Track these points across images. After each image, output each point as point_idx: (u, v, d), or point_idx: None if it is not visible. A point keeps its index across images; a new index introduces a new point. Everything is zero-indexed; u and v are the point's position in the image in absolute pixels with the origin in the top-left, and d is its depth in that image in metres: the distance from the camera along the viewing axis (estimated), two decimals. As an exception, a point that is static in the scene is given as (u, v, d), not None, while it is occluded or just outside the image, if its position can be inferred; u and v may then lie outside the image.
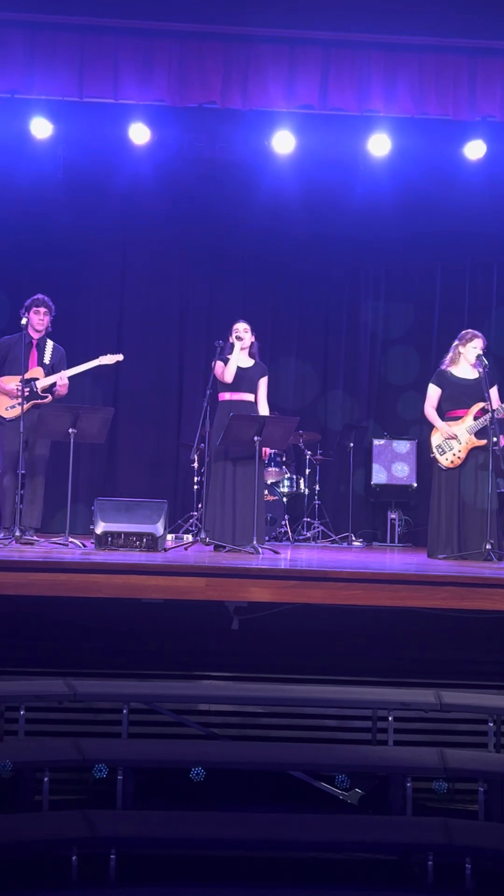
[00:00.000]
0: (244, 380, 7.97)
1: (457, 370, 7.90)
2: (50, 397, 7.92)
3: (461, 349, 7.89)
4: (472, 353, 7.81)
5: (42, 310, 8.01)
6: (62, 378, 7.91)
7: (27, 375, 7.82)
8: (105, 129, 9.72)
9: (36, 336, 8.02)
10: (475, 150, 9.88)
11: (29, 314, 7.96)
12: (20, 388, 7.67)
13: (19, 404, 7.69)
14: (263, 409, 8.02)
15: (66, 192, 10.48)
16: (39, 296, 8.09)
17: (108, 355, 8.16)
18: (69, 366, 8.06)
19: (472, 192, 10.52)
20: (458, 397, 7.82)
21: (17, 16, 8.51)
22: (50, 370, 7.97)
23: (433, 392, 7.93)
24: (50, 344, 8.06)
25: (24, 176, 10.22)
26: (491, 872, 4.73)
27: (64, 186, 10.40)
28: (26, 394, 7.74)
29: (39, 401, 7.82)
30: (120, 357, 8.23)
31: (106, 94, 8.74)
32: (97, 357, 8.12)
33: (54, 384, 7.92)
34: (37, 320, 7.97)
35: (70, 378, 7.98)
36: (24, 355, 7.82)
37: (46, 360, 7.99)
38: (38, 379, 7.86)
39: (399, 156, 9.93)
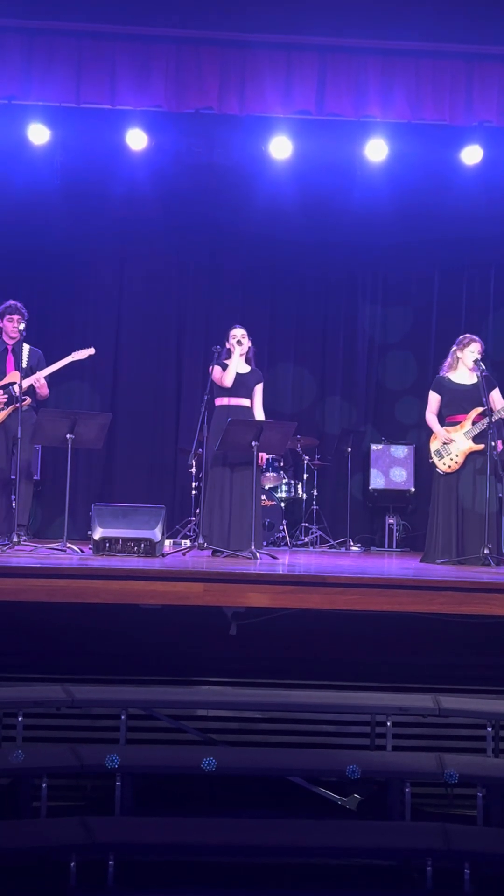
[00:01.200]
0: (241, 385, 7.98)
1: (455, 376, 7.91)
2: (29, 399, 7.92)
3: (459, 354, 7.90)
4: (470, 358, 7.82)
5: (16, 317, 8.02)
6: (38, 379, 7.93)
7: (5, 381, 7.87)
8: (102, 134, 9.72)
9: (10, 342, 8.04)
10: (472, 155, 9.90)
11: (3, 321, 8.00)
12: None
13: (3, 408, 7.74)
14: (259, 415, 8.03)
15: (63, 197, 10.48)
16: (11, 302, 8.12)
17: (80, 350, 8.18)
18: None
19: (469, 196, 10.53)
20: (457, 403, 7.83)
21: (15, 22, 8.52)
22: (29, 373, 7.97)
23: (433, 399, 7.95)
24: (26, 347, 8.06)
25: (22, 182, 10.21)
26: (490, 877, 4.72)
27: (61, 192, 10.40)
28: (4, 399, 7.77)
29: (19, 405, 7.81)
30: (91, 351, 8.24)
31: (103, 99, 8.74)
32: (70, 353, 8.15)
33: (33, 387, 7.95)
34: (11, 327, 7.99)
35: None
36: (0, 361, 7.85)
37: (24, 363, 7.99)
38: (15, 383, 7.85)
39: (396, 161, 9.94)
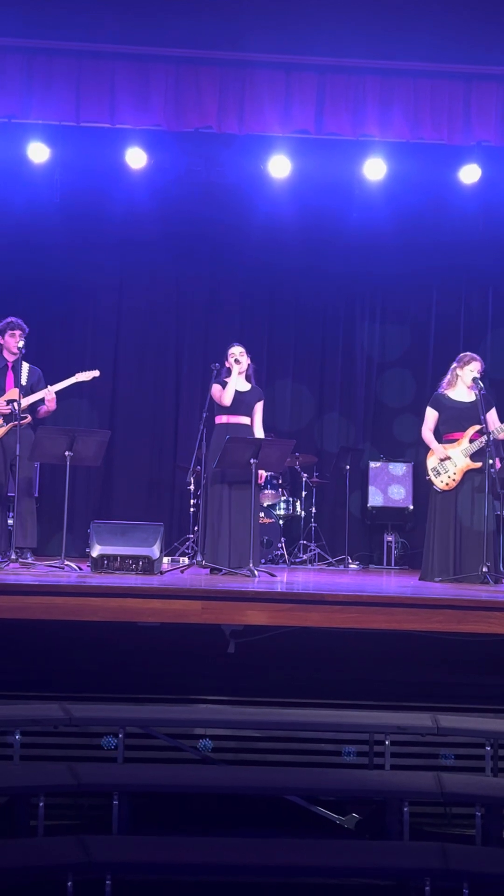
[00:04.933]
0: (241, 403, 7.99)
1: (454, 393, 7.92)
2: (29, 417, 7.93)
3: (459, 372, 7.91)
4: (469, 377, 7.83)
5: (17, 332, 8.05)
6: (49, 393, 7.94)
7: (5, 398, 7.89)
8: (102, 153, 9.74)
9: (11, 359, 8.05)
10: (470, 174, 9.93)
11: (4, 337, 8.02)
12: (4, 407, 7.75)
13: (2, 424, 7.76)
14: (259, 433, 8.05)
15: (62, 216, 10.50)
16: (13, 318, 8.15)
17: (85, 372, 8.20)
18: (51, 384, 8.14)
19: (467, 215, 10.57)
20: (455, 420, 7.83)
21: (15, 41, 8.57)
22: (28, 391, 7.98)
23: (430, 415, 7.96)
24: (26, 365, 8.07)
25: (21, 200, 10.25)
26: (489, 898, 4.70)
27: (60, 211, 10.41)
28: (7, 410, 7.84)
29: (19, 423, 7.81)
30: (96, 373, 8.28)
31: (103, 118, 8.79)
32: (74, 374, 8.16)
33: (39, 402, 7.95)
34: (13, 343, 8.00)
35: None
36: None
37: (23, 381, 7.99)
38: (15, 400, 7.85)
39: (395, 180, 9.98)
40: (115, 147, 9.69)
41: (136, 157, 9.77)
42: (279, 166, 9.83)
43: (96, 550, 7.15)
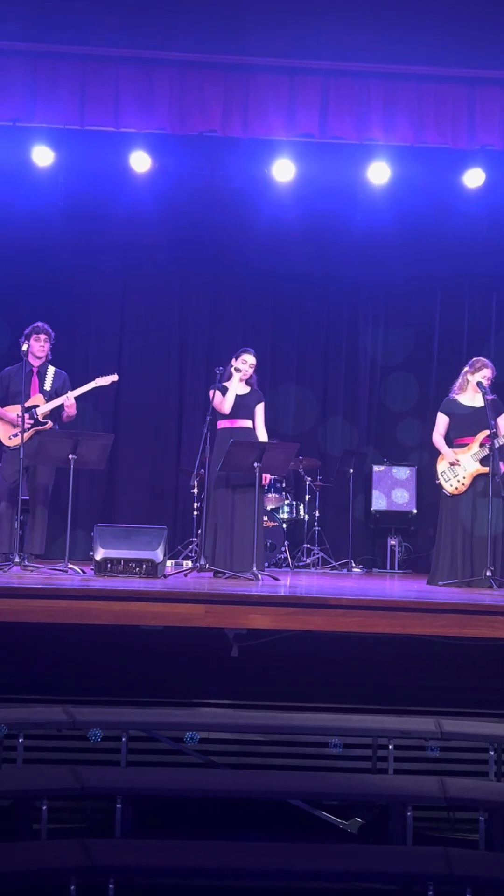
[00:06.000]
0: (241, 407, 7.99)
1: (464, 398, 7.92)
2: (50, 423, 7.94)
3: (470, 377, 7.89)
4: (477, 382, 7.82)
5: (42, 336, 8.06)
6: (69, 399, 7.96)
7: (28, 403, 7.85)
8: (106, 157, 9.77)
9: (37, 363, 8.06)
10: (474, 178, 9.95)
11: (30, 341, 8.01)
12: (21, 415, 7.68)
13: (21, 432, 7.70)
14: (262, 436, 8.03)
15: (66, 219, 10.52)
16: (39, 323, 8.14)
17: (105, 376, 8.21)
18: (73, 388, 8.13)
19: (471, 219, 10.58)
20: (465, 425, 7.83)
21: (20, 45, 8.58)
22: (52, 395, 8.00)
23: (441, 420, 7.96)
24: (51, 370, 8.09)
25: (26, 203, 10.28)
26: (492, 903, 4.69)
27: (65, 214, 10.44)
28: (29, 423, 7.77)
29: (41, 427, 7.84)
30: (115, 377, 8.29)
31: (107, 122, 8.81)
32: (94, 379, 8.16)
33: (59, 408, 7.96)
34: (37, 347, 8.02)
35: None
36: (24, 383, 7.85)
37: (47, 386, 8.01)
38: (38, 406, 7.88)
39: (398, 184, 10.00)
40: (119, 151, 9.72)
41: (140, 161, 9.79)
42: (283, 170, 9.85)
43: (100, 554, 7.15)
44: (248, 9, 8.34)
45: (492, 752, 5.58)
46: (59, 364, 8.29)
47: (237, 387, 7.96)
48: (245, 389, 8.07)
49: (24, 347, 7.82)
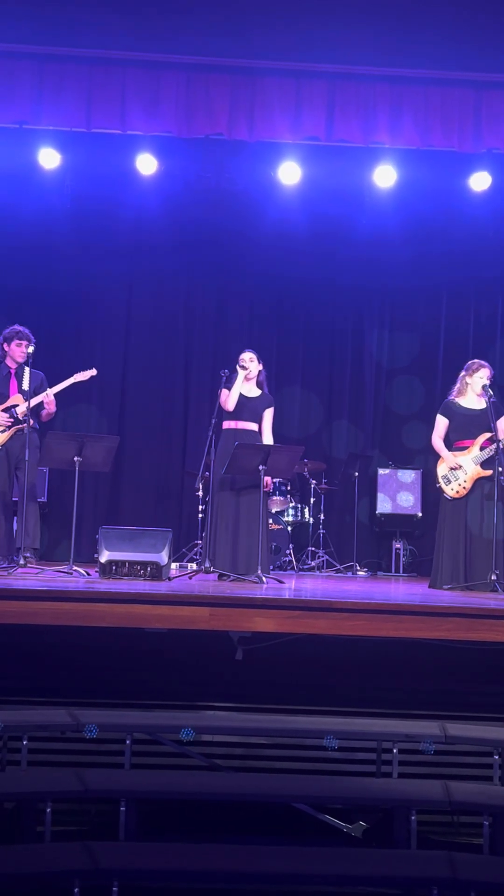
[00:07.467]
0: (248, 409, 7.98)
1: (464, 401, 7.91)
2: (32, 422, 7.96)
3: (468, 380, 7.90)
4: (478, 384, 7.82)
5: (24, 343, 8.08)
6: (48, 396, 7.99)
7: (8, 403, 7.97)
8: (112, 159, 9.77)
9: (14, 366, 8.11)
10: (480, 181, 9.94)
11: (10, 346, 8.07)
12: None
13: (1, 432, 7.78)
14: (268, 440, 8.02)
15: (72, 222, 10.55)
16: (18, 327, 8.21)
17: (83, 372, 8.24)
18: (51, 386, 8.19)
19: (477, 222, 10.58)
20: (465, 428, 7.82)
21: (26, 48, 8.61)
22: (31, 395, 8.01)
23: (440, 423, 7.95)
24: (27, 371, 8.11)
25: (32, 206, 10.29)
26: (496, 907, 4.68)
27: (71, 217, 10.46)
28: (9, 422, 7.88)
29: (20, 426, 7.88)
30: (93, 372, 8.31)
31: (113, 124, 8.82)
32: (72, 375, 8.20)
33: (39, 406, 8.00)
34: (19, 352, 8.07)
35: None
36: (2, 385, 8.01)
37: (25, 385, 8.04)
38: (17, 406, 7.93)
39: (404, 187, 9.99)
40: (125, 153, 9.72)
41: (146, 164, 9.80)
42: (289, 173, 9.84)
43: (104, 556, 7.15)
44: (254, 12, 8.33)
45: (496, 757, 5.57)
46: (65, 365, 8.35)
47: (244, 385, 7.96)
48: (255, 392, 8.07)
49: (5, 349, 7.96)
